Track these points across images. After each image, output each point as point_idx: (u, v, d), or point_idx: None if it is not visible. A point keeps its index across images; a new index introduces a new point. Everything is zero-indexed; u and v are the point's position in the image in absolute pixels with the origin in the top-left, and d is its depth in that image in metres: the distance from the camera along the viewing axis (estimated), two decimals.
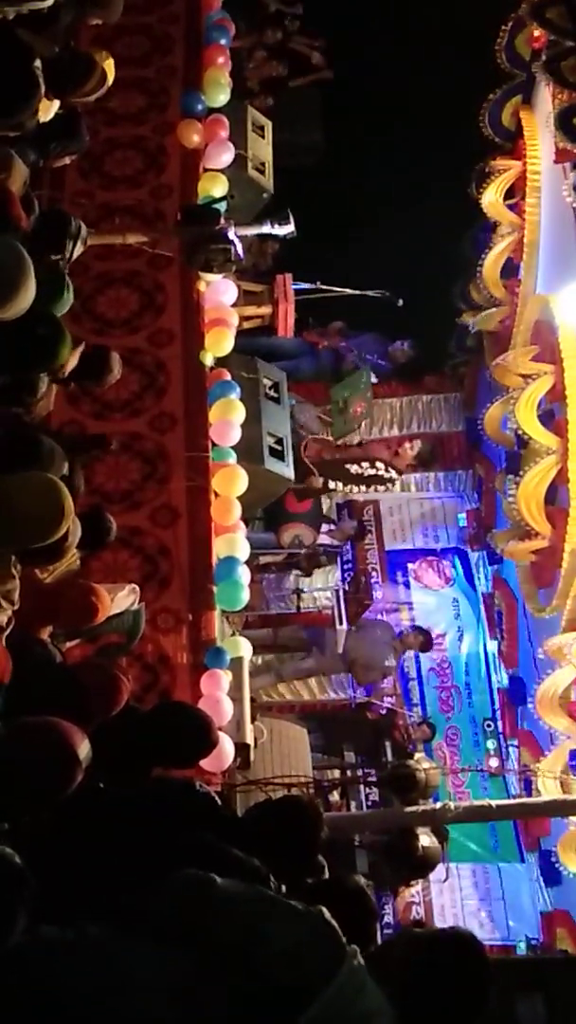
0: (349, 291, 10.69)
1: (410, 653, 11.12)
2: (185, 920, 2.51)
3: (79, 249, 4.68)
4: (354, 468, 11.65)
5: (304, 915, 2.56)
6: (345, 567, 11.55)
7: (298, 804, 3.47)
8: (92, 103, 5.11)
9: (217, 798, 3.40)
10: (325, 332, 11.99)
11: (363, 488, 11.92)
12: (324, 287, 10.25)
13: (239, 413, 7.58)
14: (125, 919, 2.48)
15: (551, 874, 9.68)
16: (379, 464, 11.77)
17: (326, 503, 11.88)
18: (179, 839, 2.98)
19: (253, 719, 6.79)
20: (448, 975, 2.55)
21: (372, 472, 11.69)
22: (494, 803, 7.75)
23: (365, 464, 11.70)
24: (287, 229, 8.86)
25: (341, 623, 9.99)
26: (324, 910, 2.62)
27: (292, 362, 11.36)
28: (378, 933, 3.35)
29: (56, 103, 4.72)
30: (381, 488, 11.88)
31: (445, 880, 9.33)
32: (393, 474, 11.85)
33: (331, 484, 11.60)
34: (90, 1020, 2.27)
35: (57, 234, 4.54)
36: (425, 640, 10.23)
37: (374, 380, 12.09)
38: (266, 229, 8.98)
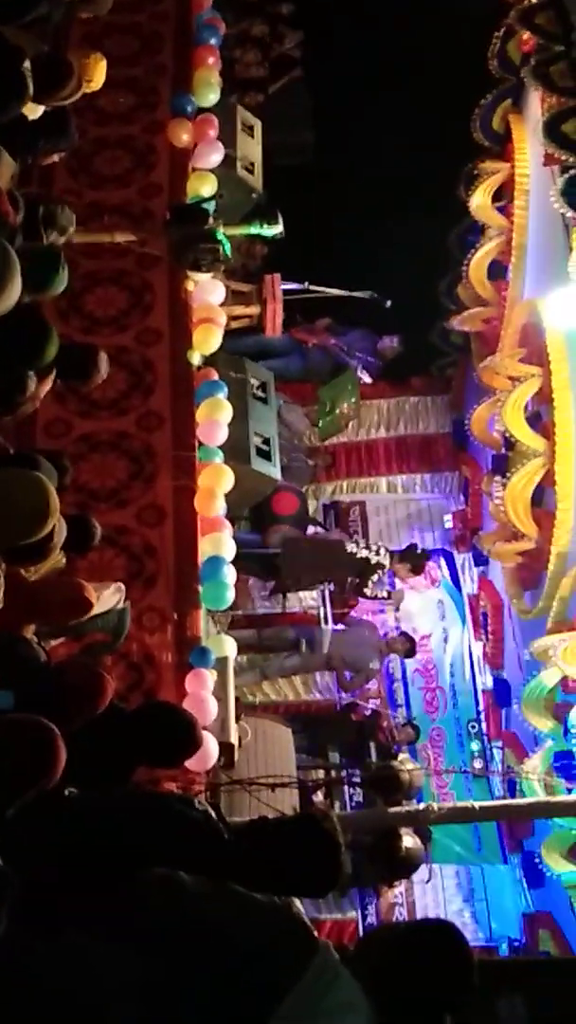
0: (337, 292, 10.71)
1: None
2: (153, 919, 2.49)
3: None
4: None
5: (272, 911, 2.54)
6: None
7: (318, 826, 2.89)
8: (82, 102, 5.10)
9: (213, 813, 3.28)
10: (313, 329, 11.95)
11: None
12: (312, 287, 10.26)
13: (226, 413, 7.57)
14: (98, 919, 2.46)
15: (534, 876, 9.68)
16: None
17: (312, 504, 11.88)
18: (174, 849, 2.92)
19: (238, 719, 6.79)
20: (427, 962, 2.53)
21: (364, 554, 10.43)
22: (478, 804, 7.75)
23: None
24: (276, 229, 8.87)
25: (326, 623, 9.98)
26: (294, 902, 2.60)
27: (281, 361, 11.32)
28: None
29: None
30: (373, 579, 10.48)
31: (428, 881, 9.37)
32: (384, 559, 10.47)
33: None
34: (58, 1020, 2.26)
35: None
36: (410, 647, 10.31)
37: (367, 380, 12.05)
38: (255, 229, 8.99)
